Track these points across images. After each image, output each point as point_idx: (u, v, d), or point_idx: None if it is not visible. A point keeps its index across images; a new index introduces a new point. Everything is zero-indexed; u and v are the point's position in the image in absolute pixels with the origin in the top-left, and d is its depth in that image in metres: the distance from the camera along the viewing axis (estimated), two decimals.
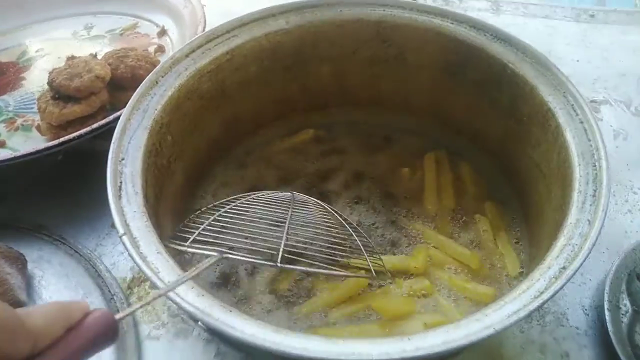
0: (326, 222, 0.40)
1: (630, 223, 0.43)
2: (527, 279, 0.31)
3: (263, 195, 0.41)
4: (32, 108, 0.52)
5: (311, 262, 0.38)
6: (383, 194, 0.48)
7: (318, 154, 0.53)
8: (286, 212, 0.39)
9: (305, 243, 0.39)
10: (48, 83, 0.46)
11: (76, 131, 0.44)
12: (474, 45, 0.46)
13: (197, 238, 0.35)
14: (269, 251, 0.36)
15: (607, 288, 0.35)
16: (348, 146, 0.53)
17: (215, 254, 0.33)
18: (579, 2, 0.66)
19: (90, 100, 0.45)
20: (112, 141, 0.38)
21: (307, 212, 0.40)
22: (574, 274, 0.30)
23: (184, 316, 0.37)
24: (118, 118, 0.43)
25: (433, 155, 0.51)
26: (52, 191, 0.46)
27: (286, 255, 0.35)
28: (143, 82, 0.42)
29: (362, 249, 0.39)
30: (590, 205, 0.33)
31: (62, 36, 0.62)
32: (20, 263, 0.37)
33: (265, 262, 0.35)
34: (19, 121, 0.52)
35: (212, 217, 0.38)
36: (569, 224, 0.33)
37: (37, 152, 0.40)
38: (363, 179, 0.50)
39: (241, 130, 0.53)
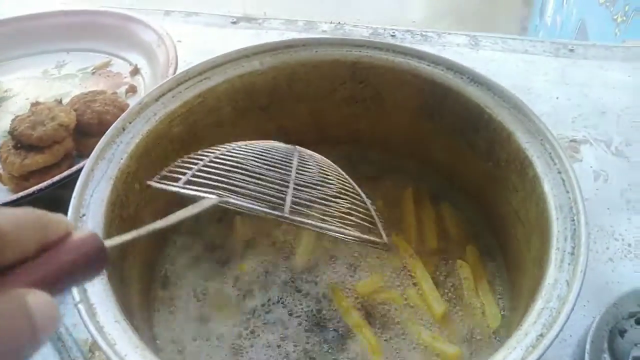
0: (338, 181, 0.36)
1: (612, 272, 0.42)
2: (504, 347, 0.29)
3: (263, 144, 0.38)
4: None
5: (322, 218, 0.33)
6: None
7: None
8: (291, 162, 0.35)
9: (313, 199, 0.34)
10: (9, 132, 0.45)
11: (39, 181, 0.42)
12: (450, 88, 0.45)
13: (191, 179, 0.31)
14: (275, 200, 0.31)
15: (587, 347, 0.34)
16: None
17: (213, 197, 0.29)
18: (559, 36, 0.66)
19: (54, 149, 0.43)
20: (73, 195, 0.36)
21: (316, 166, 0.37)
22: (553, 341, 0.28)
23: None
24: (79, 170, 0.42)
25: (412, 191, 0.49)
26: None
27: (294, 206, 0.31)
28: (108, 130, 0.41)
29: (375, 217, 0.35)
30: (569, 264, 0.32)
31: (32, 75, 0.61)
32: None
33: (271, 211, 0.30)
34: None
35: (207, 159, 0.34)
36: (547, 284, 0.32)
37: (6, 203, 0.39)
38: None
39: None
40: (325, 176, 0.37)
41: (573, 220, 0.34)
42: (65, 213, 0.35)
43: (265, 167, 0.34)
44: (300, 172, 0.36)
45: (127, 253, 0.40)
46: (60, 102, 0.48)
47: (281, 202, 0.31)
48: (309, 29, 0.66)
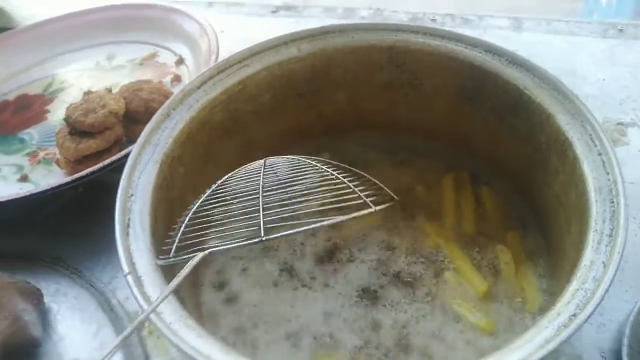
0: (304, 175, 0.38)
1: None
2: (535, 326, 0.29)
3: (235, 174, 0.40)
4: (53, 141, 0.54)
5: (298, 222, 0.35)
6: (400, 210, 0.47)
7: None
8: (257, 181, 0.37)
9: (285, 205, 0.36)
10: (64, 119, 0.48)
11: (93, 165, 0.45)
12: (488, 70, 0.45)
13: (179, 245, 0.34)
14: (251, 229, 0.34)
15: (627, 331, 0.33)
16: (363, 169, 0.53)
17: (198, 254, 0.32)
18: (608, 17, 0.64)
19: (105, 134, 0.46)
20: (122, 177, 0.39)
21: (282, 172, 0.39)
22: (585, 320, 0.28)
23: None
24: (128, 154, 0.44)
25: (452, 177, 0.49)
26: (70, 223, 0.47)
27: (269, 226, 0.33)
28: (154, 116, 0.43)
29: (348, 184, 0.37)
30: (606, 245, 0.32)
31: (85, 67, 0.64)
32: (35, 298, 0.38)
33: (249, 242, 0.33)
34: (41, 154, 0.54)
35: (186, 218, 0.36)
36: (583, 265, 0.32)
37: (54, 187, 0.42)
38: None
39: (256, 156, 0.53)
40: (295, 177, 0.39)
41: (612, 202, 0.34)
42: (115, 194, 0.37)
43: (236, 200, 0.36)
44: (267, 186, 0.37)
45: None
46: (110, 90, 0.51)
47: (256, 227, 0.33)
48: (348, 16, 0.67)
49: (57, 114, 0.58)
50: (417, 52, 0.48)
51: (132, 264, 0.34)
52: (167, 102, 0.44)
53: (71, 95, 0.60)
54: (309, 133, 0.55)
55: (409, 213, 0.48)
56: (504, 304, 0.42)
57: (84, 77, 0.62)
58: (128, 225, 0.36)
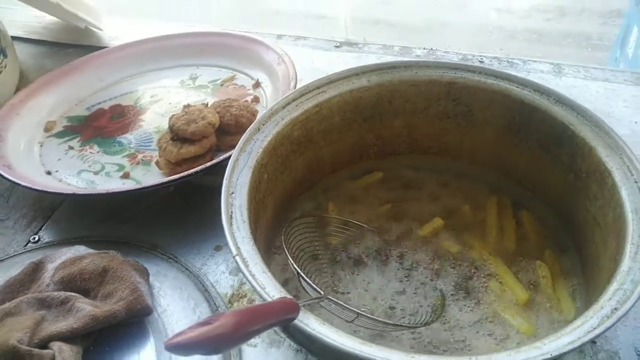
0: None
1: None
2: (582, 316, 0.35)
3: None
4: (149, 145, 0.62)
5: None
6: (448, 227, 0.53)
7: (385, 193, 0.58)
8: None
9: None
10: (169, 126, 0.56)
11: (188, 168, 0.52)
12: (537, 107, 0.51)
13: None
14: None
15: None
16: (412, 189, 0.58)
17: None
18: (633, 67, 0.70)
19: (203, 142, 0.54)
20: (225, 177, 0.45)
21: None
22: (625, 314, 0.34)
23: (276, 329, 0.43)
24: (226, 159, 0.51)
25: (496, 200, 0.55)
26: (164, 217, 0.54)
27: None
28: (248, 129, 0.50)
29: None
30: None
31: (171, 84, 0.73)
32: (145, 275, 0.45)
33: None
34: (140, 156, 0.61)
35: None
36: (622, 271, 0.37)
37: (164, 184, 0.49)
38: (424, 218, 0.54)
39: (321, 171, 0.60)
40: None
41: None
42: (209, 192, 0.44)
43: None
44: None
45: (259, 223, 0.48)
46: (206, 105, 0.59)
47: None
48: (404, 54, 0.75)
49: (151, 123, 0.66)
50: (472, 88, 0.55)
51: (237, 248, 0.40)
52: (258, 117, 0.51)
53: (162, 108, 0.68)
54: (368, 153, 0.62)
55: (457, 229, 0.54)
56: (542, 312, 0.46)
57: (171, 93, 0.70)
58: (231, 217, 0.43)
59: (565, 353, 0.33)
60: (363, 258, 0.52)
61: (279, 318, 0.31)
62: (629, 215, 0.41)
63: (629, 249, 0.38)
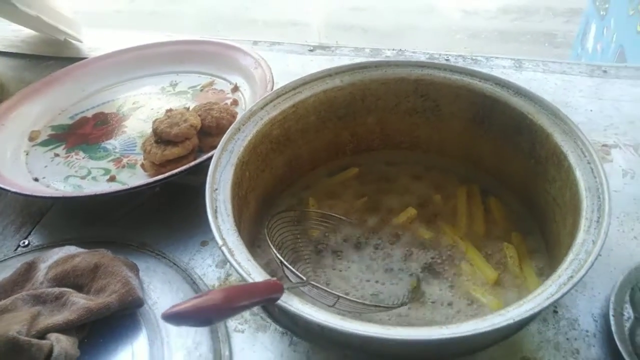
0: None
1: (636, 247, 0.50)
2: (542, 285, 0.38)
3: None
4: (134, 150, 0.64)
5: None
6: (421, 216, 0.56)
7: (362, 187, 0.61)
8: None
9: None
10: (153, 130, 0.58)
11: (172, 169, 0.54)
12: (498, 99, 0.54)
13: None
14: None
15: (612, 299, 0.42)
16: (387, 182, 0.62)
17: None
18: (595, 60, 0.75)
19: (185, 144, 0.56)
20: (208, 174, 0.48)
21: None
22: (579, 280, 0.37)
23: (263, 315, 0.46)
24: (208, 158, 0.54)
25: (465, 188, 0.58)
26: (151, 216, 0.57)
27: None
28: (229, 129, 0.53)
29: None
30: (595, 229, 0.41)
31: (152, 91, 0.75)
32: (135, 270, 0.47)
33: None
34: (125, 160, 0.63)
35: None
36: (577, 243, 0.41)
37: (150, 184, 0.51)
38: (398, 208, 0.58)
39: (300, 168, 0.62)
40: None
41: (599, 197, 0.43)
42: (193, 191, 0.46)
43: None
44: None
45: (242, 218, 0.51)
46: (188, 109, 0.61)
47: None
48: (374, 55, 0.78)
49: (134, 128, 0.68)
50: (438, 84, 0.58)
51: (223, 239, 0.43)
52: (238, 118, 0.54)
53: (144, 114, 0.70)
54: (344, 150, 0.65)
55: (429, 217, 0.57)
56: (511, 290, 0.49)
57: (152, 100, 0.73)
58: (216, 210, 0.45)
59: (527, 318, 0.36)
60: (342, 248, 0.55)
61: (264, 297, 0.34)
62: (583, 193, 0.44)
63: (583, 223, 0.42)
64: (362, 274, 0.52)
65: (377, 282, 0.52)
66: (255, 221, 0.56)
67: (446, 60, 0.76)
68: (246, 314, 0.47)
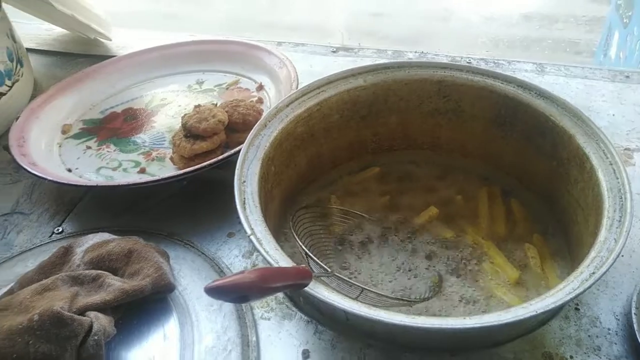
0: None
1: None
2: (564, 281, 0.39)
3: None
4: (163, 144, 0.66)
5: None
6: (442, 215, 0.57)
7: (383, 187, 0.62)
8: None
9: None
10: (182, 124, 0.60)
11: (200, 163, 0.56)
12: (520, 101, 0.55)
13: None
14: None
15: (634, 297, 0.43)
16: (408, 181, 0.62)
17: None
18: (617, 65, 0.76)
19: (213, 139, 0.58)
20: (237, 167, 0.49)
21: None
22: (601, 276, 0.38)
23: (288, 304, 0.47)
24: (235, 153, 0.55)
25: (486, 189, 0.59)
26: (179, 208, 0.58)
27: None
28: (256, 125, 0.54)
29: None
30: (617, 227, 0.42)
31: (179, 89, 0.77)
32: (166, 257, 0.48)
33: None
34: (154, 154, 0.65)
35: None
36: (599, 241, 0.41)
37: (180, 175, 0.53)
38: (420, 207, 0.58)
39: (322, 166, 0.64)
40: None
41: (621, 198, 0.44)
42: (219, 185, 0.48)
43: None
44: None
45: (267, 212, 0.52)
46: (215, 105, 0.63)
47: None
48: (397, 57, 0.80)
49: (162, 124, 0.70)
50: (461, 86, 0.59)
51: (251, 229, 0.44)
52: (265, 115, 0.55)
53: (172, 110, 0.72)
54: (365, 149, 0.66)
55: (451, 216, 0.58)
56: (532, 290, 0.50)
57: (179, 97, 0.75)
58: (244, 202, 0.47)
59: (549, 311, 0.37)
60: (364, 244, 0.56)
61: (295, 281, 0.35)
62: (605, 193, 0.45)
63: (605, 222, 0.43)
64: (384, 270, 0.53)
65: (398, 278, 0.52)
66: (279, 216, 0.57)
67: (468, 62, 0.77)
68: (272, 302, 0.48)
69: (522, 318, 0.36)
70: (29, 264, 0.51)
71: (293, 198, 0.61)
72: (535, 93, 0.55)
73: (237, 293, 0.30)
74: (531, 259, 0.53)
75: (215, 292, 0.29)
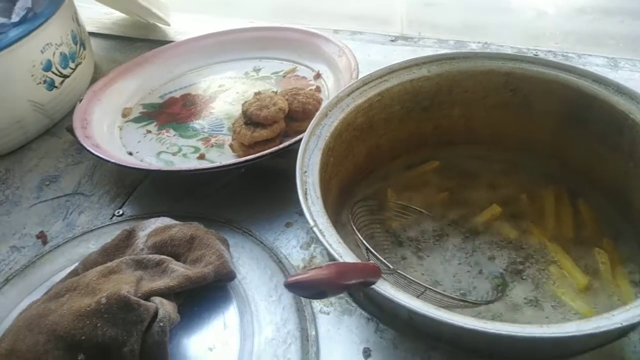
0: None
1: None
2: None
3: None
4: (221, 131, 0.66)
5: None
6: (505, 214, 0.55)
7: (442, 182, 0.60)
8: None
9: None
10: (242, 111, 0.60)
11: (260, 150, 0.56)
12: (596, 97, 0.52)
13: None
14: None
15: None
16: (469, 177, 0.60)
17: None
18: None
19: (274, 127, 0.58)
20: (298, 157, 0.48)
21: None
22: None
23: (348, 299, 0.46)
24: (295, 142, 0.55)
25: (553, 189, 0.56)
26: (237, 195, 0.58)
27: None
28: (317, 114, 0.53)
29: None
30: None
31: (237, 75, 0.77)
32: (226, 244, 0.48)
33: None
34: (213, 140, 0.65)
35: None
36: None
37: (242, 163, 0.53)
38: (482, 205, 0.56)
39: (380, 158, 0.62)
40: None
41: None
42: (277, 174, 0.47)
43: None
44: None
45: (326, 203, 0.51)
46: (275, 92, 0.63)
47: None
48: (458, 47, 0.77)
49: (221, 110, 0.71)
50: (530, 78, 0.56)
51: (314, 220, 0.43)
52: (326, 104, 0.54)
53: (230, 97, 0.72)
54: (425, 142, 0.64)
55: (514, 216, 0.55)
56: (602, 298, 0.47)
57: (237, 84, 0.75)
58: (305, 192, 0.46)
59: (633, 324, 0.34)
60: (422, 241, 0.54)
61: (365, 278, 0.34)
62: None
63: None
64: (443, 268, 0.52)
65: (457, 277, 0.51)
66: (336, 208, 0.56)
67: (535, 55, 0.74)
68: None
69: (606, 330, 0.34)
70: (91, 245, 0.52)
71: (350, 189, 0.60)
72: (613, 89, 0.52)
73: (316, 289, 0.29)
74: (601, 264, 0.51)
75: (295, 286, 0.29)
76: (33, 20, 0.68)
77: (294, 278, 0.29)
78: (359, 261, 0.39)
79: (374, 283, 0.35)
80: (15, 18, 0.67)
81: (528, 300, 0.48)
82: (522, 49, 0.74)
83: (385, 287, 0.38)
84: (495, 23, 0.89)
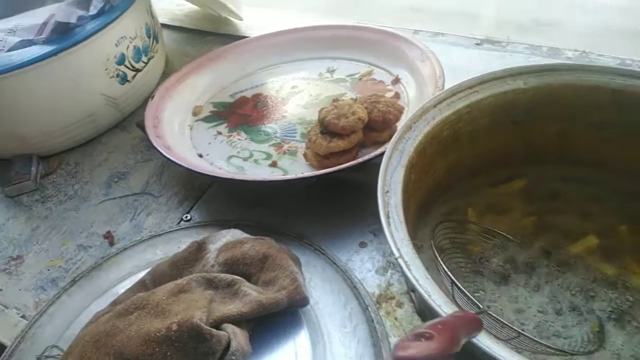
0: None
1: None
2: None
3: None
4: (294, 137, 0.63)
5: None
6: (602, 247, 0.49)
7: (528, 204, 0.55)
8: None
9: None
10: (319, 119, 0.56)
11: (335, 161, 0.52)
12: None
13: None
14: None
15: None
16: (559, 201, 0.55)
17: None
18: None
19: (351, 137, 0.54)
20: (379, 175, 0.45)
21: None
22: None
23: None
24: (376, 156, 0.51)
25: None
26: (308, 208, 0.55)
27: None
28: (400, 127, 0.49)
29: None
30: None
31: (310, 76, 0.73)
32: (299, 264, 0.45)
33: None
34: (285, 146, 0.62)
35: None
36: None
37: (320, 175, 0.50)
38: (574, 234, 0.51)
39: (460, 174, 0.58)
40: None
41: None
42: (351, 187, 0.43)
43: None
44: None
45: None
46: (355, 100, 0.59)
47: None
48: (552, 55, 0.70)
49: (294, 114, 0.67)
50: None
51: (398, 250, 0.40)
52: (411, 116, 0.50)
53: (303, 100, 0.69)
54: (512, 159, 0.58)
55: (612, 249, 0.49)
56: None
57: (310, 85, 0.71)
58: (388, 216, 0.42)
59: None
60: (507, 271, 0.50)
61: (468, 335, 0.30)
62: None
63: None
64: (529, 304, 0.47)
65: (547, 316, 0.46)
66: (413, 229, 0.53)
67: None
68: (408, 330, 0.43)
69: None
70: (158, 251, 0.51)
71: (427, 209, 0.56)
72: None
73: None
74: None
75: None
76: (110, 12, 0.67)
77: (406, 353, 0.25)
78: (456, 310, 0.35)
79: (473, 337, 0.31)
80: (93, 11, 0.66)
81: (632, 350, 0.43)
82: (626, 60, 0.67)
83: (484, 340, 0.33)
84: (564, 21, 0.81)
